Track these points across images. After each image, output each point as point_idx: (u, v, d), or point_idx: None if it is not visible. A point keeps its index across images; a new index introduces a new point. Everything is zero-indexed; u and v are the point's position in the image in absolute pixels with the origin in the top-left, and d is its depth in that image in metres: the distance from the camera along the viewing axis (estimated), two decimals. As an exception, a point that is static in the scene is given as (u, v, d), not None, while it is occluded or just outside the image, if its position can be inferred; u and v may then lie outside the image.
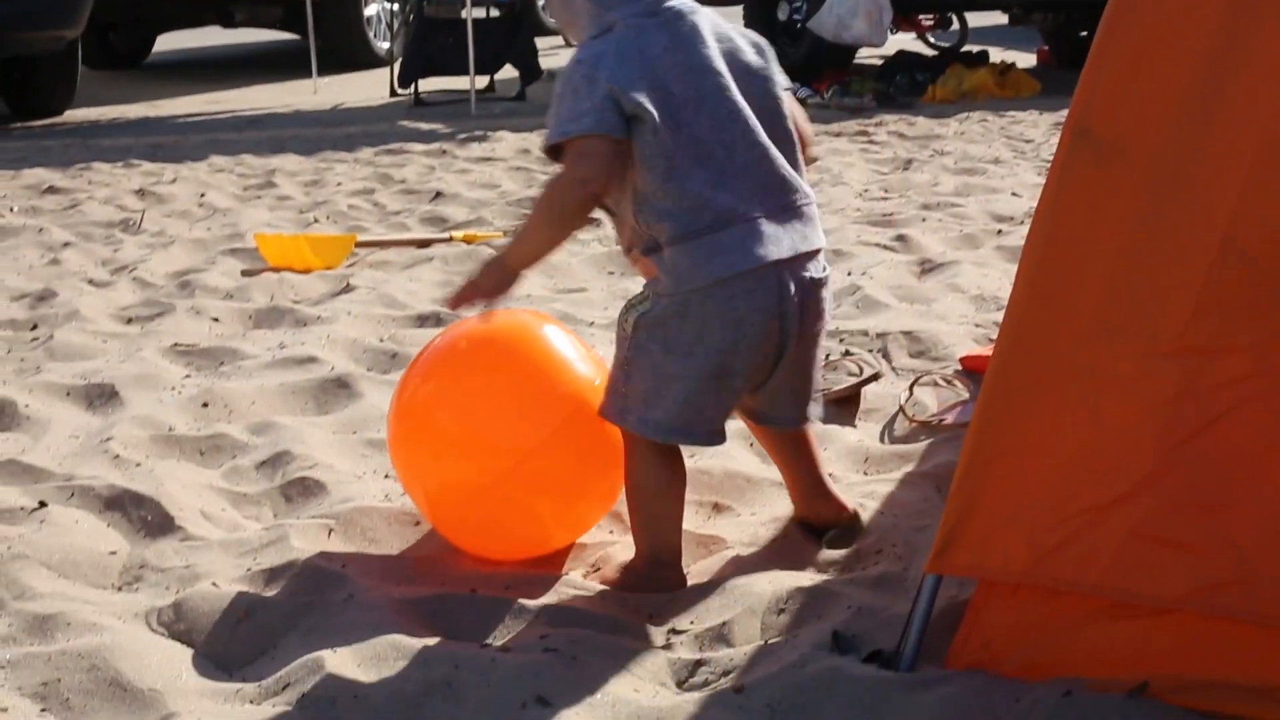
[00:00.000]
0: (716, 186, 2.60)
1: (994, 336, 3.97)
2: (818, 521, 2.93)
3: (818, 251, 2.71)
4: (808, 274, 2.67)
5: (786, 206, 2.66)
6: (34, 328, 4.70)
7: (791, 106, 2.75)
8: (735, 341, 2.62)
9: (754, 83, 2.68)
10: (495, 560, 2.81)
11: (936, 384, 3.77)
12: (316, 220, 6.31)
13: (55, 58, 11.06)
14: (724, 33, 2.71)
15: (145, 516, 3.06)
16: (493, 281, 2.66)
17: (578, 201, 2.59)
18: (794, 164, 2.70)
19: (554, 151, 2.62)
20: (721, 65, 2.65)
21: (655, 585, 2.71)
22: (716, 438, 2.73)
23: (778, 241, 2.63)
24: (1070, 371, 2.25)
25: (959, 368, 3.89)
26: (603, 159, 2.55)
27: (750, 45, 2.73)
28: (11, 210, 6.88)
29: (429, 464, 2.79)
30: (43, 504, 3.08)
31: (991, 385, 2.32)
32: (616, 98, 2.55)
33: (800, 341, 2.69)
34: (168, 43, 16.24)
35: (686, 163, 2.59)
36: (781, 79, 2.74)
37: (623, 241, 2.74)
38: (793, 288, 2.64)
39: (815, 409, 2.84)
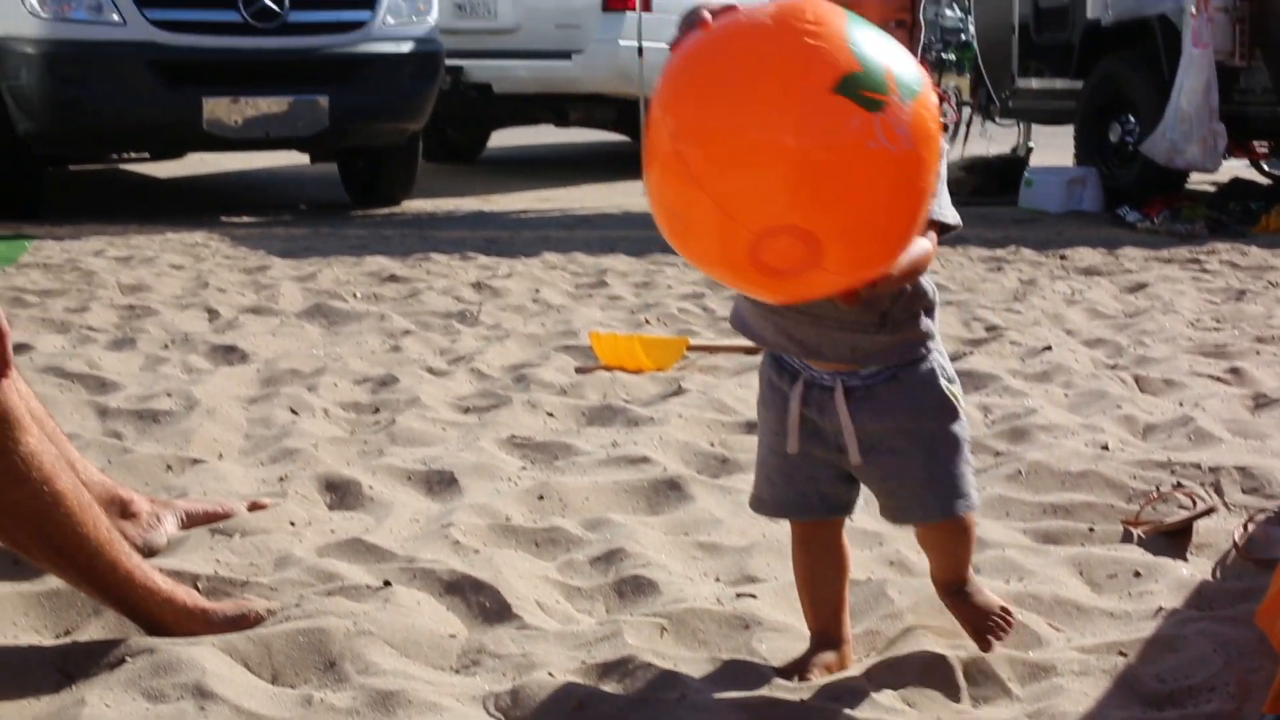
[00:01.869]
0: None
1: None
2: None
3: None
4: None
5: None
6: (376, 411, 4.88)
7: None
8: None
9: None
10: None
11: (1272, 522, 3.70)
12: (647, 322, 6.43)
13: (398, 150, 11.55)
14: None
15: (483, 602, 3.15)
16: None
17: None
18: None
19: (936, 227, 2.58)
20: None
21: None
22: None
23: None
24: None
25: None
26: None
27: None
28: (355, 296, 7.15)
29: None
30: (387, 583, 3.19)
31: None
32: None
33: None
34: (502, 139, 16.69)
35: None
36: None
37: (882, 309, 2.63)
38: None
39: None
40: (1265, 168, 12.91)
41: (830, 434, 2.71)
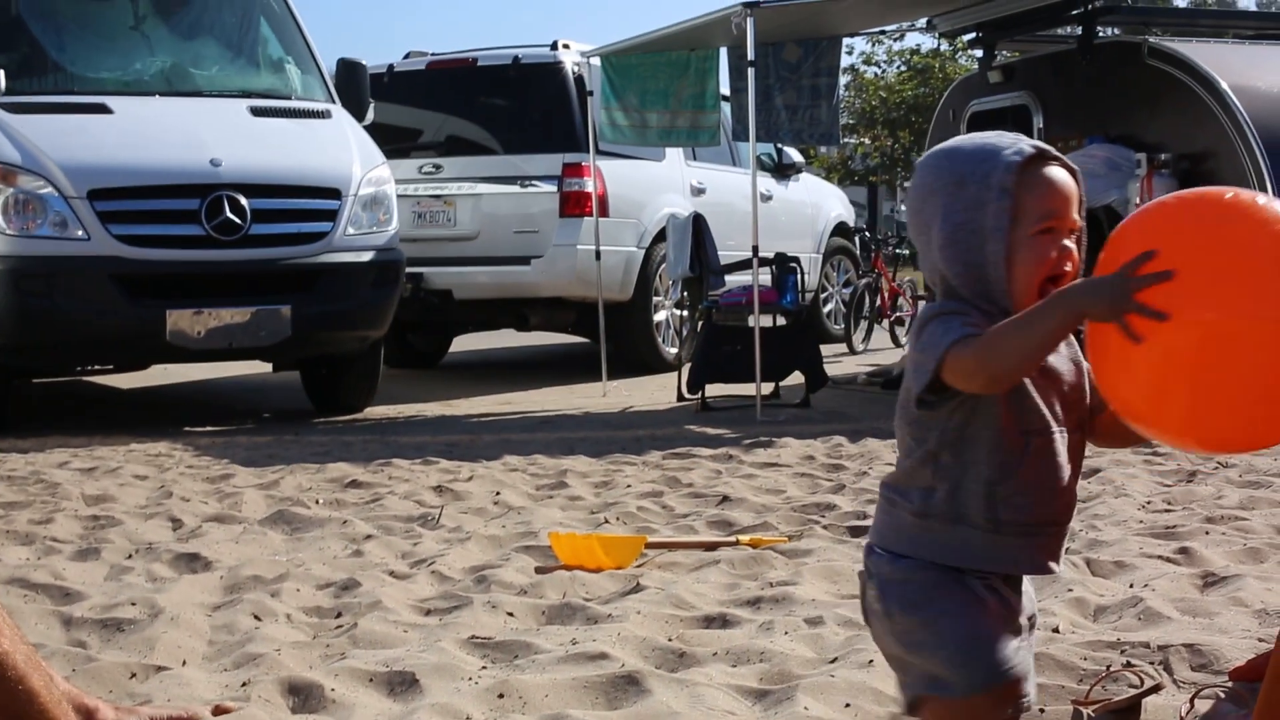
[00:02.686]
0: None
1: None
2: None
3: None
4: None
5: None
6: (338, 615, 4.93)
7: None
8: None
9: None
10: None
11: (1219, 697, 3.77)
12: (607, 521, 6.50)
13: (360, 357, 11.66)
14: None
15: (448, 800, 3.20)
16: None
17: None
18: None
19: None
20: None
21: None
22: None
23: None
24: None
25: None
26: None
27: None
28: (317, 502, 7.21)
29: None
30: (349, 784, 3.24)
31: (1267, 696, 2.37)
32: None
33: None
34: (463, 344, 16.85)
35: None
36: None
37: None
38: None
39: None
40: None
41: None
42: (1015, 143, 2.57)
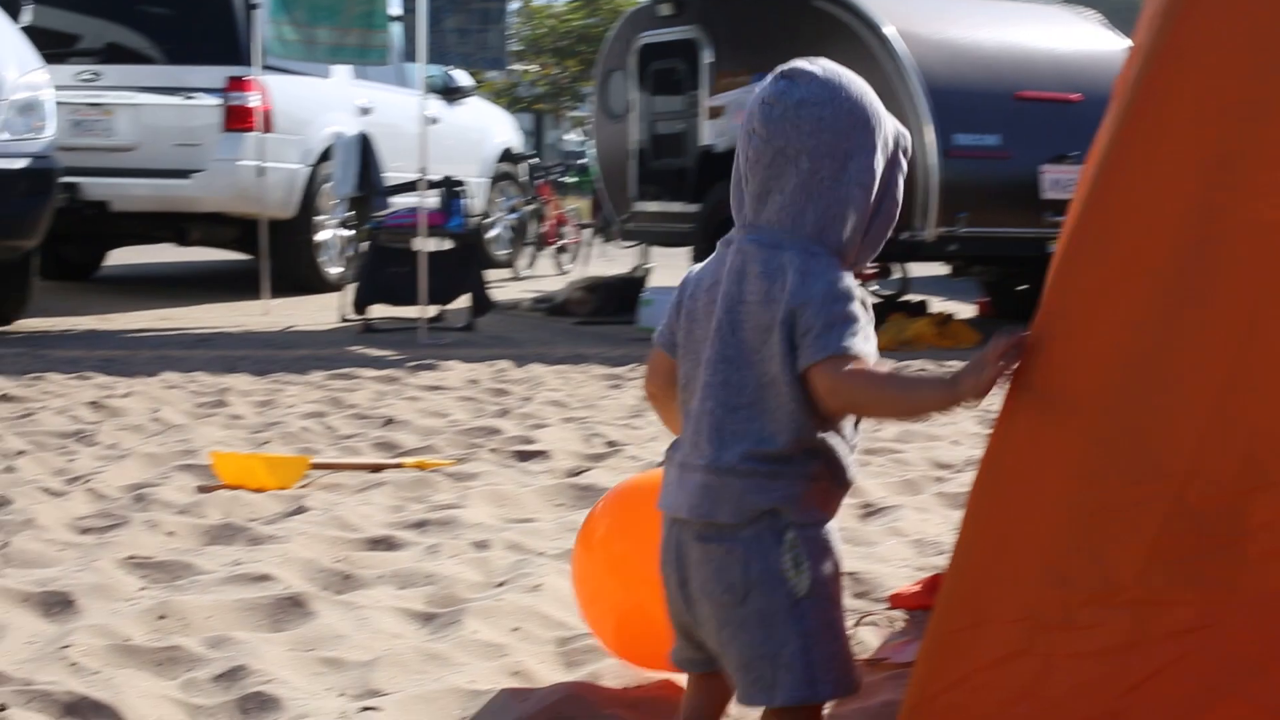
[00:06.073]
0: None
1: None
2: None
3: (700, 523, 2.49)
4: (690, 541, 2.51)
5: (686, 464, 2.52)
6: (-10, 534, 4.76)
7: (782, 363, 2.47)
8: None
9: (730, 322, 2.52)
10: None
11: (879, 624, 3.87)
12: (269, 441, 6.40)
13: (10, 267, 11.22)
14: (746, 266, 2.55)
15: (103, 723, 3.11)
16: None
17: None
18: (728, 422, 2.49)
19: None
20: (719, 306, 2.54)
21: None
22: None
23: (672, 494, 2.54)
24: (1014, 616, 2.35)
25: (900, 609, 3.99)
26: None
27: (761, 283, 2.51)
28: (-35, 416, 6.96)
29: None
30: (3, 707, 3.12)
31: (936, 625, 2.43)
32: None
33: (699, 611, 2.53)
34: (120, 257, 16.42)
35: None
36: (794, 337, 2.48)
37: None
38: (677, 549, 2.54)
39: (753, 693, 2.51)
40: (873, 288, 13.48)
41: None
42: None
